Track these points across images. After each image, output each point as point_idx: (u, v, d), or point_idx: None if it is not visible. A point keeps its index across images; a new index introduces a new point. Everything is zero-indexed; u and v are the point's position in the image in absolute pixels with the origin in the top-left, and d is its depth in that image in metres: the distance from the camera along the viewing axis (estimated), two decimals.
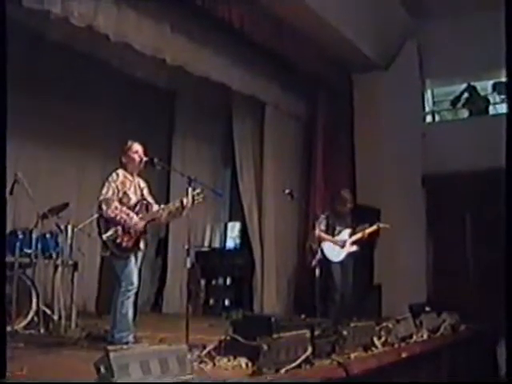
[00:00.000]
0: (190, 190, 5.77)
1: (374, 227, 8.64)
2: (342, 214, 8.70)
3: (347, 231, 8.54)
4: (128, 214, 5.81)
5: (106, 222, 5.76)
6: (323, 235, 8.47)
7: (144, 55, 8.52)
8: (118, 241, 5.73)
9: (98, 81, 10.21)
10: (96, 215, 6.04)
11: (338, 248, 8.44)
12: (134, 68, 9.84)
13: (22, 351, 5.44)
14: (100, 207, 5.77)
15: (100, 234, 5.78)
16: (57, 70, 9.57)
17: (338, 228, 8.56)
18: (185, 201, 5.80)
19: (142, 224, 5.86)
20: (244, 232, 11.67)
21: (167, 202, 6.57)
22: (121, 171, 5.99)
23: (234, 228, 12.26)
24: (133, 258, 5.83)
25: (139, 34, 8.10)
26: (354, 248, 8.53)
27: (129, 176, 6.01)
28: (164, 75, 10.28)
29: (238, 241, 12.06)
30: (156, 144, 9.40)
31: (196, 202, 5.79)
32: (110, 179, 5.90)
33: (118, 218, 5.74)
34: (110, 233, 5.72)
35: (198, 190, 5.81)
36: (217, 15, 8.61)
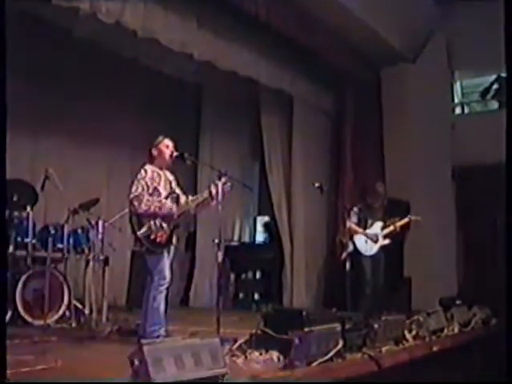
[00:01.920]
0: (219, 182, 5.79)
1: (406, 220, 8.54)
2: (374, 207, 8.59)
3: (379, 224, 8.43)
4: (160, 202, 5.83)
5: (138, 219, 5.75)
6: (356, 228, 8.38)
7: (171, 50, 8.55)
8: (152, 237, 5.74)
9: (125, 77, 10.26)
10: (126, 210, 6.07)
11: (370, 242, 8.36)
12: (161, 64, 9.88)
13: (54, 345, 5.53)
14: (132, 204, 5.77)
15: (134, 232, 5.79)
16: (84, 68, 9.64)
17: (369, 221, 8.46)
18: (213, 191, 5.81)
19: (176, 211, 5.88)
20: (273, 226, 11.67)
21: None
22: (149, 167, 5.99)
23: (263, 222, 12.29)
24: (165, 253, 5.85)
25: (166, 30, 8.13)
26: (387, 241, 8.45)
27: (157, 170, 6.02)
28: (191, 70, 10.31)
29: (267, 235, 12.08)
30: (184, 139, 9.43)
31: (225, 191, 5.80)
32: (139, 176, 5.90)
33: (152, 208, 5.75)
34: (144, 229, 5.73)
35: (224, 179, 5.82)
36: (243, 9, 8.60)
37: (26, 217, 7.27)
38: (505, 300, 5.23)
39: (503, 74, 11.67)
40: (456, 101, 12.54)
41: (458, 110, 12.66)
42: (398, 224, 8.43)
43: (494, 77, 11.96)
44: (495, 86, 11.99)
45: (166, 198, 5.95)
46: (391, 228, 8.40)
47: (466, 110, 12.71)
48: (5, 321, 6.28)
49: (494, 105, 12.28)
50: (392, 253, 8.88)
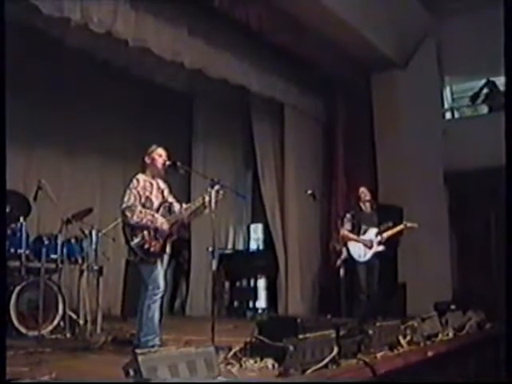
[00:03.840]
0: (212, 190, 5.78)
1: (402, 226, 8.50)
2: (367, 212, 8.56)
3: (373, 230, 8.35)
4: (153, 216, 5.82)
5: (131, 229, 5.74)
6: (349, 235, 8.34)
7: (162, 59, 8.57)
8: (146, 246, 5.73)
9: (117, 87, 10.28)
10: (120, 220, 6.05)
11: (364, 248, 8.31)
12: (153, 73, 9.90)
13: (49, 356, 5.48)
14: (124, 215, 5.75)
15: (127, 242, 5.78)
16: (76, 79, 9.66)
17: (363, 227, 8.40)
18: (207, 198, 5.80)
19: (167, 225, 5.88)
20: (267, 233, 11.68)
21: None
22: (141, 176, 5.98)
23: (257, 229, 12.31)
24: (159, 262, 5.84)
25: (157, 39, 8.17)
26: (381, 248, 8.39)
27: (149, 179, 6.01)
28: (182, 79, 10.33)
29: (261, 242, 12.09)
30: (177, 148, 9.43)
31: (218, 198, 5.80)
32: (131, 186, 5.88)
33: (144, 221, 5.74)
34: (137, 239, 5.72)
35: (217, 187, 5.81)
36: (234, 17, 8.63)
37: (19, 227, 7.25)
38: (504, 304, 5.25)
39: (492, 79, 11.76)
40: (446, 106, 12.60)
41: (448, 115, 12.72)
42: (394, 230, 8.39)
43: (483, 81, 12.02)
44: (485, 91, 12.06)
45: (159, 207, 5.95)
46: (388, 233, 8.35)
47: (457, 115, 12.77)
48: (5, 323, 6.29)
49: (484, 109, 12.34)
50: (386, 258, 8.87)
